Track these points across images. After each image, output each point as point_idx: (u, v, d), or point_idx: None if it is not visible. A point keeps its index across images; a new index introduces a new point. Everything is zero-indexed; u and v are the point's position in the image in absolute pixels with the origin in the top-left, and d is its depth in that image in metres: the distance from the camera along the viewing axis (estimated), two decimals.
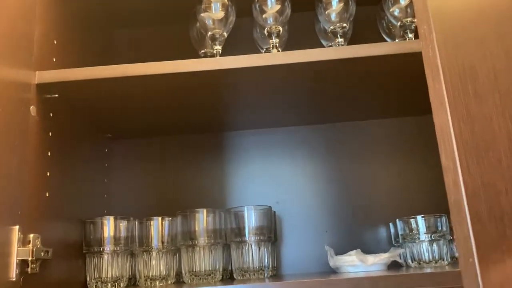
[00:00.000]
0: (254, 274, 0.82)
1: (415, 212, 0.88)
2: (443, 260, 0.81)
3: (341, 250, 0.88)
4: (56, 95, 0.77)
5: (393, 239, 0.94)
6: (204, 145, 1.08)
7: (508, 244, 0.60)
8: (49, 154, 0.76)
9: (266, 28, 0.86)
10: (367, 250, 0.88)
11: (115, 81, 0.76)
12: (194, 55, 0.98)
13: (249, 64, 0.75)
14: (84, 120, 0.93)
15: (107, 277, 0.83)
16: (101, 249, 0.83)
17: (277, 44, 0.86)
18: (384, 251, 0.85)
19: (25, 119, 0.69)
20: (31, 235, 0.67)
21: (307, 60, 0.74)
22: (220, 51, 0.87)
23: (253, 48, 0.98)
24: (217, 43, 0.86)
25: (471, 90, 0.56)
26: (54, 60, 0.80)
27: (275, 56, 0.76)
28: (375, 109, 1.02)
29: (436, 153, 0.54)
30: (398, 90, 0.91)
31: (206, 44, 0.93)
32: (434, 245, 0.82)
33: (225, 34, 0.87)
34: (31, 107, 0.71)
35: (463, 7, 0.57)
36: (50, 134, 0.77)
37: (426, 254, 0.82)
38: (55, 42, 0.81)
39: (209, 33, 0.86)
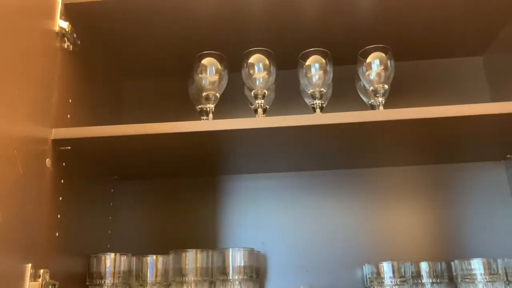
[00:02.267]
0: None
1: (387, 257, 0.98)
2: None
3: None
4: (69, 148, 0.90)
5: (365, 281, 1.04)
6: (198, 188, 1.20)
7: None
8: (60, 198, 0.88)
9: (253, 91, 0.98)
10: None
11: (120, 139, 0.88)
12: (193, 107, 1.11)
13: (237, 127, 0.86)
14: (93, 165, 1.05)
15: None
16: (102, 282, 0.95)
17: (262, 105, 0.98)
18: None
19: (41, 171, 0.82)
20: (41, 271, 0.78)
21: (287, 124, 0.85)
22: (213, 108, 0.99)
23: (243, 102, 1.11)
24: (210, 102, 0.99)
25: None
26: (69, 116, 0.93)
27: (258, 121, 0.87)
28: (355, 158, 1.13)
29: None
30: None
31: (202, 101, 1.05)
32: None
33: (218, 95, 0.99)
34: (46, 160, 0.84)
35: None
36: (62, 181, 0.89)
37: None
38: (70, 101, 0.95)
39: (204, 93, 0.99)
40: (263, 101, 0.98)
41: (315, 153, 1.06)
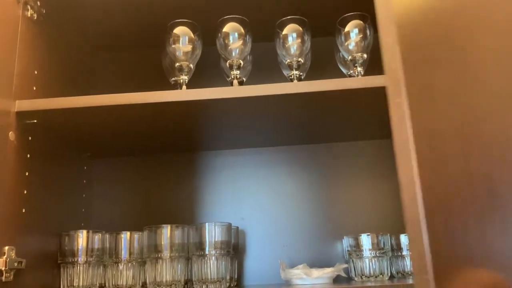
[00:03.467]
0: (213, 285, 0.90)
1: (367, 229, 0.97)
2: (383, 275, 0.89)
3: (298, 264, 0.97)
4: (35, 121, 0.86)
5: (344, 254, 1.02)
6: (175, 165, 1.17)
7: (461, 261, 0.70)
8: (26, 174, 0.85)
9: (228, 61, 0.95)
10: (323, 264, 0.97)
11: (89, 110, 0.84)
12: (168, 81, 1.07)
13: (210, 97, 0.83)
14: (63, 141, 1.01)
15: (79, 285, 0.91)
16: (75, 260, 0.92)
17: (237, 76, 0.95)
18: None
19: (3, 144, 0.78)
20: (6, 247, 0.75)
21: (264, 93, 0.82)
22: (187, 80, 0.96)
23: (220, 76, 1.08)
24: (183, 73, 0.95)
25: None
26: (34, 88, 0.89)
27: (233, 90, 0.83)
28: (334, 133, 1.11)
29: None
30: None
31: (176, 73, 1.01)
32: (376, 261, 0.90)
33: (192, 66, 0.96)
34: (9, 133, 0.80)
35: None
36: (28, 156, 0.86)
37: (369, 269, 0.90)
38: (35, 72, 0.90)
39: (177, 64, 0.95)
40: (238, 71, 0.95)
41: (292, 127, 1.03)
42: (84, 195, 1.12)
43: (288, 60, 0.96)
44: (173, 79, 1.05)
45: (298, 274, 0.87)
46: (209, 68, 1.08)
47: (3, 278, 0.74)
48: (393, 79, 0.74)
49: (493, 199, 0.69)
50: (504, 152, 0.72)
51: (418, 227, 0.66)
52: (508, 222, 0.68)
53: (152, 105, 0.83)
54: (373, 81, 0.79)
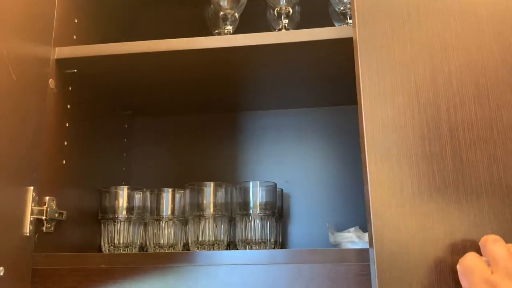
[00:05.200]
0: (257, 246, 0.85)
1: None
2: None
3: (346, 229, 0.90)
4: (75, 70, 0.83)
5: None
6: (219, 125, 1.12)
7: None
8: (67, 125, 0.82)
9: (276, 9, 0.88)
10: None
11: (131, 57, 0.79)
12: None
13: (261, 42, 0.76)
14: (104, 96, 0.98)
15: (119, 242, 0.88)
16: (115, 217, 0.89)
17: (286, 25, 0.88)
18: None
19: (43, 91, 0.75)
20: (47, 198, 0.73)
21: (314, 38, 0.75)
22: (231, 31, 0.90)
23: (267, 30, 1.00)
24: (228, 23, 0.89)
25: None
26: (75, 37, 0.86)
27: (287, 34, 0.76)
28: None
29: None
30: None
31: (219, 24, 0.95)
32: None
33: (236, 15, 0.90)
34: (49, 80, 0.76)
35: None
36: (69, 106, 0.83)
37: None
38: (76, 21, 0.87)
39: (221, 13, 0.89)
40: (287, 21, 0.88)
41: (344, 83, 0.95)
42: (125, 154, 1.09)
43: (342, 8, 0.88)
44: (217, 31, 0.99)
45: (350, 237, 0.81)
46: (253, 23, 1.01)
47: (44, 228, 0.72)
48: None
49: None
50: None
51: None
52: None
53: (197, 52, 0.78)
54: None
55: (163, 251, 0.88)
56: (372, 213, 0.58)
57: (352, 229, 0.83)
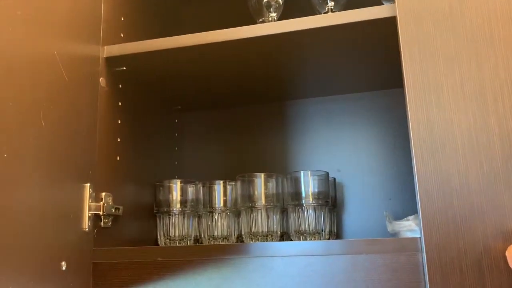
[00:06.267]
0: (311, 237, 0.84)
1: None
2: None
3: (403, 218, 0.87)
4: (124, 68, 0.84)
5: None
6: (267, 115, 1.11)
7: None
8: (119, 122, 0.84)
9: None
10: None
11: (178, 52, 0.79)
12: None
13: (305, 27, 0.73)
14: (153, 92, 0.99)
15: (175, 235, 0.90)
16: (170, 210, 0.90)
17: (332, 8, 0.85)
18: None
19: (94, 90, 0.76)
20: (103, 194, 0.75)
21: (361, 19, 0.72)
22: (276, 18, 0.88)
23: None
24: (272, 10, 0.87)
25: None
26: (122, 35, 0.87)
27: (334, 16, 0.73)
28: None
29: None
30: None
31: (263, 12, 0.94)
32: None
33: (280, 1, 0.88)
34: (100, 79, 0.78)
35: None
36: (120, 104, 0.84)
37: None
38: (122, 19, 0.88)
39: (264, 0, 0.88)
40: (333, 3, 0.85)
41: (392, 65, 0.91)
42: (176, 148, 1.10)
43: None
44: (261, 19, 0.97)
45: (409, 225, 0.77)
46: (296, 10, 0.99)
47: (102, 223, 0.74)
48: None
49: None
50: None
51: None
52: None
53: (244, 41, 0.77)
54: None
55: (217, 243, 0.89)
56: (421, 207, 0.61)
57: (411, 217, 0.80)
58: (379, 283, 0.62)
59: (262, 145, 1.10)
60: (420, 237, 0.61)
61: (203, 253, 0.69)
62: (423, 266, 0.60)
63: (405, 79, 0.64)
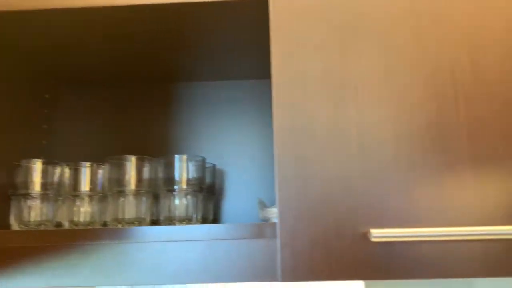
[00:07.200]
0: (180, 224, 0.80)
1: None
2: None
3: None
4: None
5: None
6: (149, 97, 1.05)
7: None
8: None
9: None
10: None
11: (50, 14, 0.71)
12: None
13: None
14: (18, 59, 0.88)
15: (30, 221, 0.81)
16: (28, 192, 0.81)
17: None
18: None
19: None
20: None
21: None
22: None
23: None
24: None
25: None
26: None
27: None
28: None
29: None
30: None
31: None
32: None
33: None
34: None
35: None
36: None
37: None
38: None
39: None
40: None
41: None
42: (45, 126, 1.00)
43: None
44: None
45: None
46: None
47: None
48: None
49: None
50: None
51: None
52: None
53: (128, 8, 0.70)
54: None
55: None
56: (278, 193, 0.60)
57: None
58: (237, 270, 0.60)
59: (144, 127, 1.04)
60: (277, 223, 0.60)
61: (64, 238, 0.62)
62: (278, 252, 0.59)
63: (272, 65, 0.63)
